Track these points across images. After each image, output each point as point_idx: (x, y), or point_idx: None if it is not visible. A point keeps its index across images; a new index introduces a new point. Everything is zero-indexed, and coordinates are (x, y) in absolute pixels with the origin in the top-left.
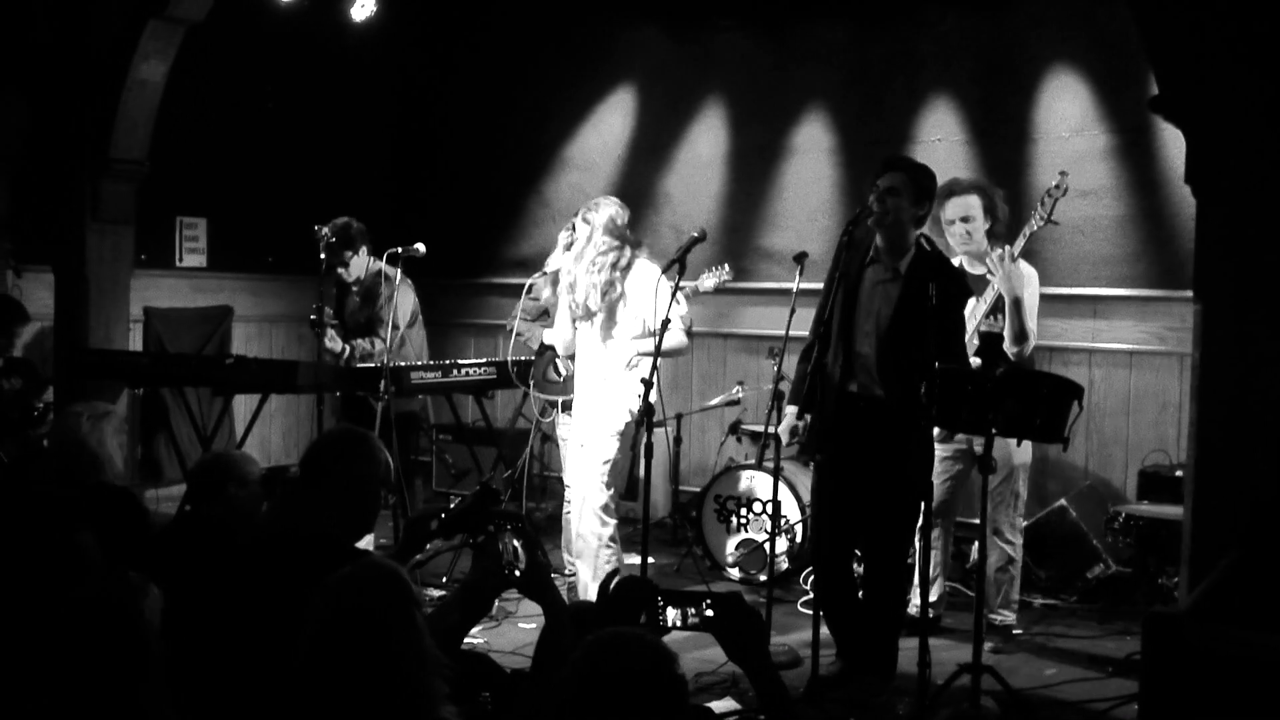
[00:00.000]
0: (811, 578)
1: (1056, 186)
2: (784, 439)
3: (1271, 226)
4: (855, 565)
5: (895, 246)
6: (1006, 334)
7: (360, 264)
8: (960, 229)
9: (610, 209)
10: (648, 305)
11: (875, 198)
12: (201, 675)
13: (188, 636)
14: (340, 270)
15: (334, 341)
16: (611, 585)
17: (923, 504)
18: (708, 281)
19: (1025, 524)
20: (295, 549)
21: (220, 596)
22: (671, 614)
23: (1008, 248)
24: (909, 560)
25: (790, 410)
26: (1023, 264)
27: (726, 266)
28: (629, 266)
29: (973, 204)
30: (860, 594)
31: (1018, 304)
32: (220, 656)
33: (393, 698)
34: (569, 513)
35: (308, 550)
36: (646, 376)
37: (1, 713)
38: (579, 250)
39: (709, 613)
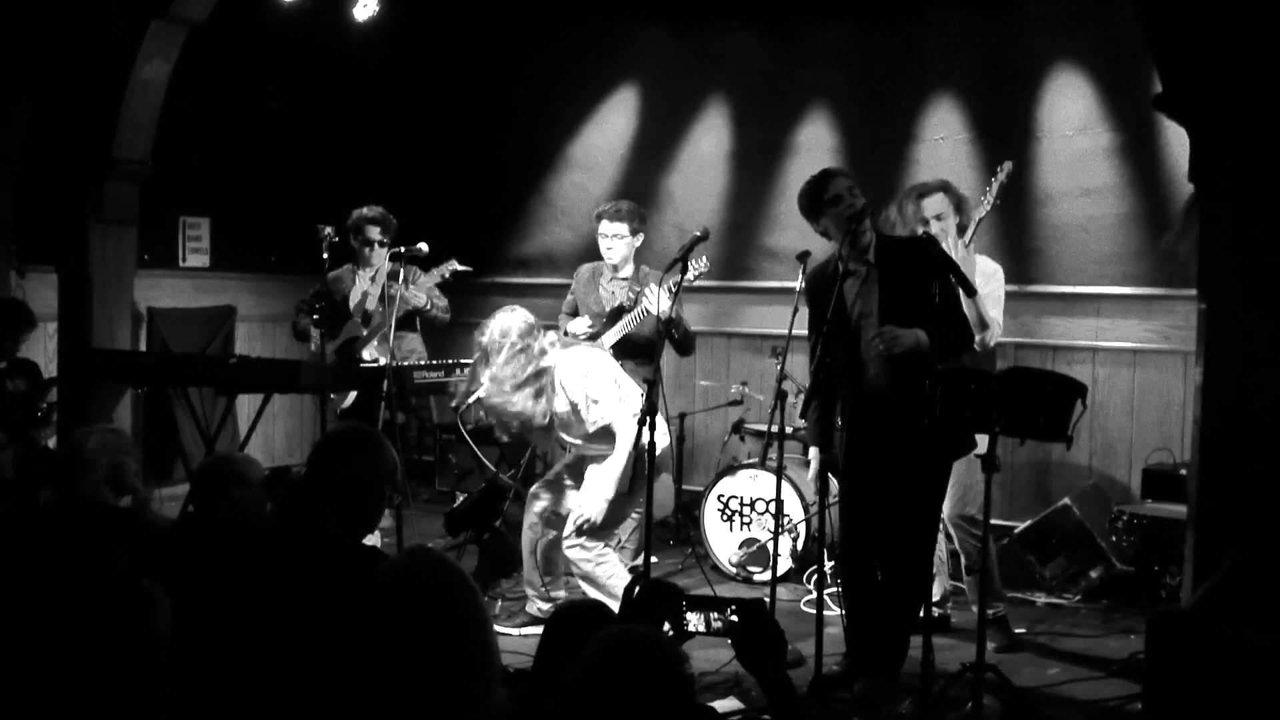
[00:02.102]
0: (814, 577)
1: (1000, 170)
2: (814, 485)
3: (1275, 225)
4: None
5: (858, 242)
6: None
7: (383, 255)
8: (936, 226)
9: (499, 324)
10: (580, 394)
11: (847, 200)
12: (207, 677)
13: (192, 638)
14: (375, 248)
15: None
16: (635, 590)
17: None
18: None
19: (1026, 524)
20: (297, 548)
21: (224, 597)
22: (694, 619)
23: (958, 239)
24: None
25: (815, 453)
26: (981, 258)
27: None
28: (538, 375)
29: (942, 202)
30: (879, 593)
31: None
32: (225, 657)
33: (456, 685)
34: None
35: (310, 549)
36: (650, 376)
37: (4, 713)
38: (489, 373)
39: (733, 618)
